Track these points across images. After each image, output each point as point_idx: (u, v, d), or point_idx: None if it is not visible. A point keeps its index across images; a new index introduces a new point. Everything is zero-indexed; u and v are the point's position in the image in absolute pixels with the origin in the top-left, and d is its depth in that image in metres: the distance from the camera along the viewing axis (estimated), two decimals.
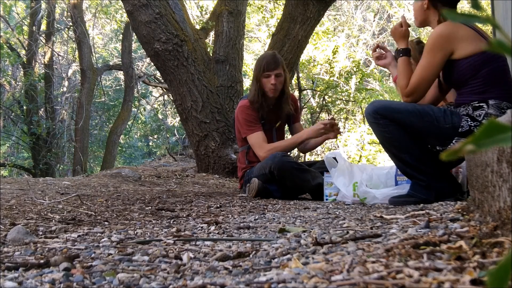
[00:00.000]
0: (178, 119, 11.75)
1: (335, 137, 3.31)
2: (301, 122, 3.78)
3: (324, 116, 9.98)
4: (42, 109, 11.70)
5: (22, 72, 11.95)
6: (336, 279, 0.83)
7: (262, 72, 3.31)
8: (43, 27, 11.59)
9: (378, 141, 2.75)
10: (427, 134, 2.42)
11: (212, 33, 6.63)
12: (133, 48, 11.86)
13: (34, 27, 10.80)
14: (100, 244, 1.40)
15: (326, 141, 3.96)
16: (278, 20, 6.10)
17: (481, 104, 2.33)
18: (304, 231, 1.49)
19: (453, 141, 2.37)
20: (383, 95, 10.79)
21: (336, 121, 3.29)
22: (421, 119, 2.38)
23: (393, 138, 2.46)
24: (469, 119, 2.33)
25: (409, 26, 2.68)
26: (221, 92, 5.16)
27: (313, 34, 6.11)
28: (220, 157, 4.98)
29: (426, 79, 2.42)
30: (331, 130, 3.22)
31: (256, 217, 2.00)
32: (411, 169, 2.48)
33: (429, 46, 2.38)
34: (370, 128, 2.74)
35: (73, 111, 12.11)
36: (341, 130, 3.43)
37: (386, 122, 2.44)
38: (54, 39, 12.04)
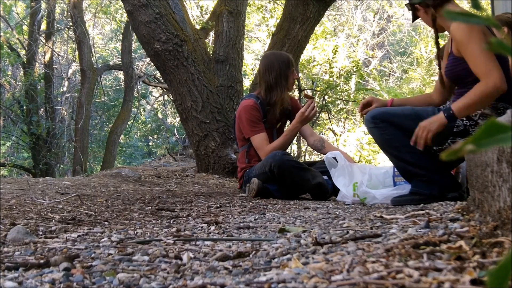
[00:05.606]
0: (178, 119, 11.75)
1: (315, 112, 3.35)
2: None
3: (323, 116, 9.98)
4: (42, 109, 11.70)
5: (22, 72, 11.95)
6: (336, 279, 0.83)
7: (291, 67, 3.34)
8: (43, 27, 11.59)
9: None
10: None
11: (212, 33, 6.63)
12: (133, 48, 11.84)
13: (34, 27, 10.79)
14: (100, 244, 1.40)
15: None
16: (278, 20, 6.10)
17: None
18: (304, 231, 1.49)
19: (448, 141, 2.37)
20: (382, 95, 10.79)
21: (312, 97, 3.34)
22: (417, 121, 2.39)
23: (393, 139, 2.48)
24: (464, 118, 2.33)
25: None
26: (221, 92, 5.16)
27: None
28: (220, 157, 4.98)
29: (489, 58, 2.22)
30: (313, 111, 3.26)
31: (256, 217, 2.00)
32: (413, 167, 2.48)
33: (467, 34, 2.23)
34: (370, 134, 2.75)
35: (73, 111, 12.11)
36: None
37: (385, 124, 2.50)
38: (54, 39, 12.04)
